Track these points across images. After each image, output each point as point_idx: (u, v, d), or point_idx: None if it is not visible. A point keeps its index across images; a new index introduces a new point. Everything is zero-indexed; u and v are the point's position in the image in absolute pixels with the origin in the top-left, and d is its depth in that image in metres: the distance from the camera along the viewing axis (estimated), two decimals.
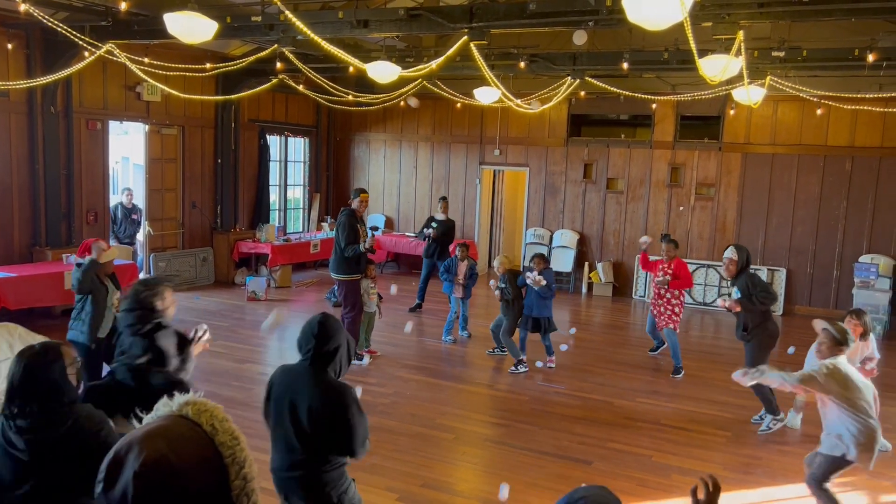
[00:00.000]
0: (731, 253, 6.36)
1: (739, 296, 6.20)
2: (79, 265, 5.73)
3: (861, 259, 10.88)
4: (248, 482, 1.38)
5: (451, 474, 5.32)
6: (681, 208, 12.20)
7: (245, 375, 7.30)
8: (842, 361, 4.21)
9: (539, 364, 7.83)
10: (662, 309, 7.79)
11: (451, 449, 5.75)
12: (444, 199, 11.18)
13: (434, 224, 10.67)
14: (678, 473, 5.34)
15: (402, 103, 11.36)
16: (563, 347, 8.29)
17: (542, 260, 7.75)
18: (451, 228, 10.85)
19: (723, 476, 5.30)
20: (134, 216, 11.11)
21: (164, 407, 1.40)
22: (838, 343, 4.23)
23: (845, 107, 10.14)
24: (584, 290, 12.56)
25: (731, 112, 11.57)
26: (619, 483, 5.07)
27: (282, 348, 8.42)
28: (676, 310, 7.75)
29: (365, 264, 7.89)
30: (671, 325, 7.71)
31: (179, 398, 1.40)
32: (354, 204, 7.80)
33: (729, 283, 6.37)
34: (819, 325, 4.42)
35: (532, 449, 5.72)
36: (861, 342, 5.49)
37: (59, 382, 2.59)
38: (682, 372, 7.68)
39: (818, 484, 4.33)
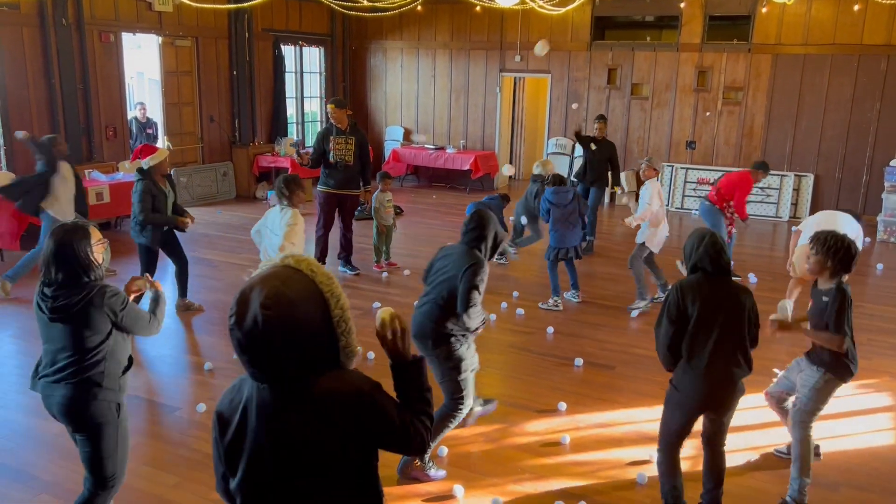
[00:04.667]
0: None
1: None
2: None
3: (892, 163, 10.60)
4: (344, 311, 1.70)
5: (477, 380, 5.40)
6: (707, 114, 11.88)
7: None
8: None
9: (566, 295, 7.13)
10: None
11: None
12: (602, 118, 9.16)
13: (593, 146, 8.95)
14: None
15: (418, 8, 10.97)
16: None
17: (561, 182, 6.98)
18: (613, 152, 9.08)
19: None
20: (149, 130, 11.07)
21: (269, 262, 1.73)
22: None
23: (884, 1, 9.64)
24: (606, 199, 12.44)
25: (763, 10, 11.07)
26: (641, 386, 5.16)
27: None
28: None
29: (340, 181, 7.44)
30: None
31: (279, 255, 1.74)
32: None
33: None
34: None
35: (555, 355, 5.80)
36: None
37: (81, 257, 2.88)
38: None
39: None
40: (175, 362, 5.54)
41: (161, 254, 6.40)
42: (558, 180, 7.03)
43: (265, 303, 1.60)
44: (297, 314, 1.62)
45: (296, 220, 5.29)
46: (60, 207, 6.81)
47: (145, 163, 5.96)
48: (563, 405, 4.84)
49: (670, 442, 3.54)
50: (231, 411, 1.75)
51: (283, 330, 1.60)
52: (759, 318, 3.48)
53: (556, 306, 6.88)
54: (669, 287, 3.68)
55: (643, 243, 6.73)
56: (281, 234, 5.22)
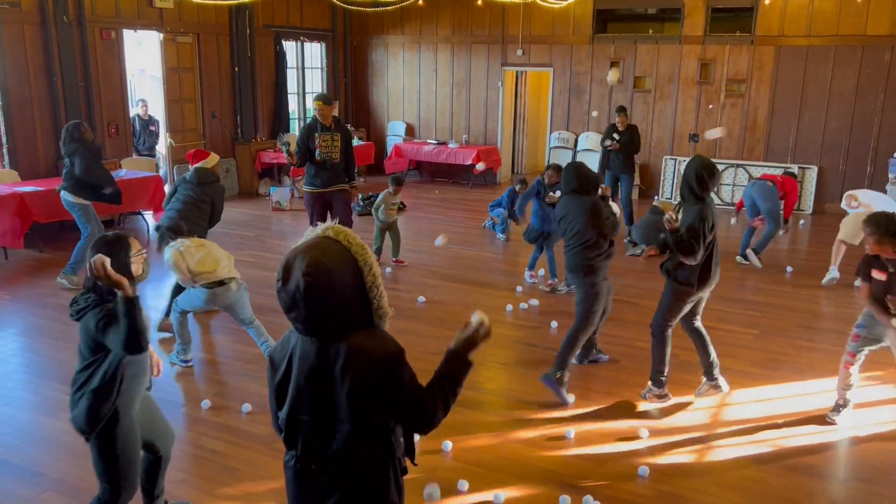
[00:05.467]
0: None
1: None
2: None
3: None
4: (376, 278, 1.96)
5: (481, 374, 5.42)
6: (710, 106, 11.84)
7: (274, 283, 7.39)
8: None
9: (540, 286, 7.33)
10: None
11: (480, 350, 5.83)
12: (622, 109, 9.19)
13: (616, 136, 9.03)
14: None
15: (420, 2, 10.92)
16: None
17: (557, 173, 6.92)
18: (636, 136, 9.20)
19: (750, 372, 5.37)
20: (151, 127, 11.06)
21: (312, 232, 1.98)
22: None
23: None
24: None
25: (766, 2, 11.01)
26: (645, 380, 5.14)
27: None
28: None
29: (327, 179, 7.08)
30: None
31: (321, 225, 1.98)
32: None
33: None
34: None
35: (559, 349, 5.78)
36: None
37: (118, 269, 2.79)
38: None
39: None
40: None
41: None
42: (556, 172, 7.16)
43: (306, 270, 1.85)
44: (333, 280, 1.87)
45: (186, 255, 5.08)
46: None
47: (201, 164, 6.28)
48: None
49: (669, 326, 4.78)
50: (280, 357, 2.06)
51: (322, 294, 1.86)
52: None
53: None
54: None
55: None
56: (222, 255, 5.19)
